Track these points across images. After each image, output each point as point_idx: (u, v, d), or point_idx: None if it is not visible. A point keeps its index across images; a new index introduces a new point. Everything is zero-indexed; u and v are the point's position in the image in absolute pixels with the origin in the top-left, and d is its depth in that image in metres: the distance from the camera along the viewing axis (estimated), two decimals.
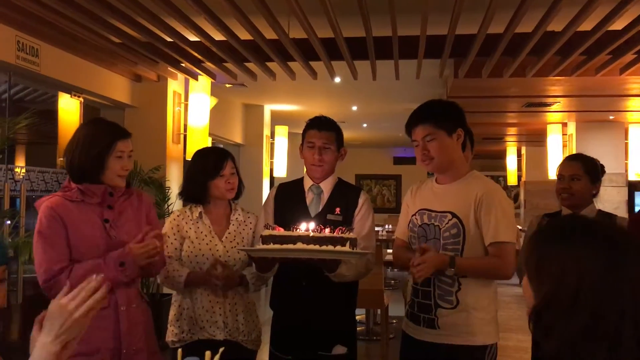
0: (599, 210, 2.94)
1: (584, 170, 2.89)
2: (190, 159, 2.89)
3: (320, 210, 2.60)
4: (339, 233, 2.19)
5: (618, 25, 4.05)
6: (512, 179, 12.85)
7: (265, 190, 9.18)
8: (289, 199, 2.67)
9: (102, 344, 2.17)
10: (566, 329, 1.13)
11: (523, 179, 12.29)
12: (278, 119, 9.75)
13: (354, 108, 9.32)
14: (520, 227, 8.27)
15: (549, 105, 7.43)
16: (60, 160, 5.46)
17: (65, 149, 2.28)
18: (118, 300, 2.22)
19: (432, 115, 2.41)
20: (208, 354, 1.38)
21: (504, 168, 13.40)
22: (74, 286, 2.07)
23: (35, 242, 2.16)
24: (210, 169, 2.67)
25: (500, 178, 13.61)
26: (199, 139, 5.91)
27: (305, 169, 2.75)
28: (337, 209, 2.52)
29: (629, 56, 4.76)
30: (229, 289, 2.62)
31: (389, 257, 5.89)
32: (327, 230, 2.22)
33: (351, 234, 2.24)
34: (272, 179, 9.71)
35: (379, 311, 6.19)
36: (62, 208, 2.18)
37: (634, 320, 1.11)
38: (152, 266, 2.35)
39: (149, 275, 2.46)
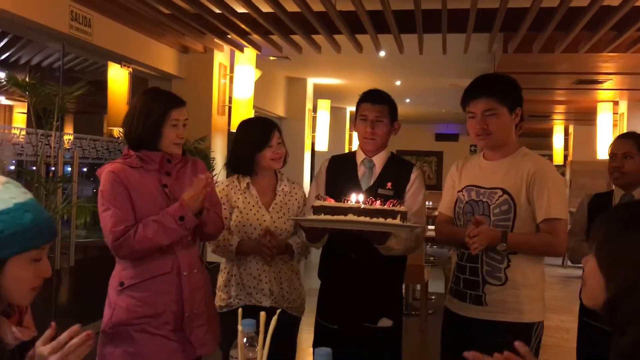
0: None
1: (638, 148, 2.81)
2: (235, 130, 2.90)
3: (371, 184, 2.59)
4: (390, 206, 2.19)
5: None
6: (558, 159, 12.55)
7: (307, 164, 9.21)
8: (341, 172, 2.66)
9: (165, 307, 2.26)
10: None
11: (570, 158, 12.00)
12: (320, 92, 9.72)
13: (398, 83, 9.21)
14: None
15: (601, 82, 7.21)
16: (109, 129, 5.59)
17: (123, 119, 2.34)
18: (180, 266, 2.29)
19: (497, 89, 2.33)
20: (263, 314, 1.42)
21: (549, 147, 13.09)
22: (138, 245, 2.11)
23: (100, 206, 2.23)
24: (258, 140, 2.69)
25: (545, 157, 13.29)
26: (244, 111, 5.95)
27: (358, 143, 2.72)
28: (389, 184, 2.50)
29: None
30: (275, 257, 2.66)
31: (430, 234, 5.86)
32: (378, 202, 2.22)
33: (402, 207, 2.23)
34: (313, 152, 9.72)
35: (418, 286, 6.20)
36: (124, 173, 2.25)
37: None
38: (208, 224, 2.35)
39: (206, 236, 2.46)
